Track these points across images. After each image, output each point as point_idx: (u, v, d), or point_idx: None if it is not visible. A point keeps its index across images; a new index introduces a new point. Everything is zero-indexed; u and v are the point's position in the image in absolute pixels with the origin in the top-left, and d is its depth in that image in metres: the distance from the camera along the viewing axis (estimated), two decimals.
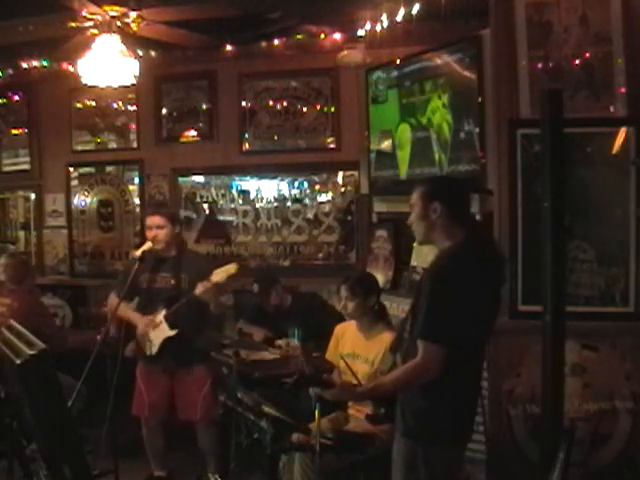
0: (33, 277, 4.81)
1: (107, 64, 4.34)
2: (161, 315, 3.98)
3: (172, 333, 3.94)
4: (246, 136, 5.96)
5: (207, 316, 4.06)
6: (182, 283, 4.02)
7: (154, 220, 4.03)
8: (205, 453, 4.17)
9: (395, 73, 4.84)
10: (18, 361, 1.95)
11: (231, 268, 3.85)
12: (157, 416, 4.12)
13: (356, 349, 3.61)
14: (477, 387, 2.70)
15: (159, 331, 3.98)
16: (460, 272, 2.48)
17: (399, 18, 4.48)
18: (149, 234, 4.02)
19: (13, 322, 2.33)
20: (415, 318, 2.55)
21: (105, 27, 4.31)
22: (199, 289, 3.83)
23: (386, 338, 3.50)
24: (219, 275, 3.82)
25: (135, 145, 6.31)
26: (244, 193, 6.07)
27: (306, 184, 5.93)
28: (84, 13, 4.18)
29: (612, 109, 3.58)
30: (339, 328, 3.80)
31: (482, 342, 2.64)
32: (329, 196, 5.87)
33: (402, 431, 2.59)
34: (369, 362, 3.50)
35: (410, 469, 2.54)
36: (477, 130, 4.10)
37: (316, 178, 5.92)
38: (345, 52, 5.19)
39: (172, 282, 4.02)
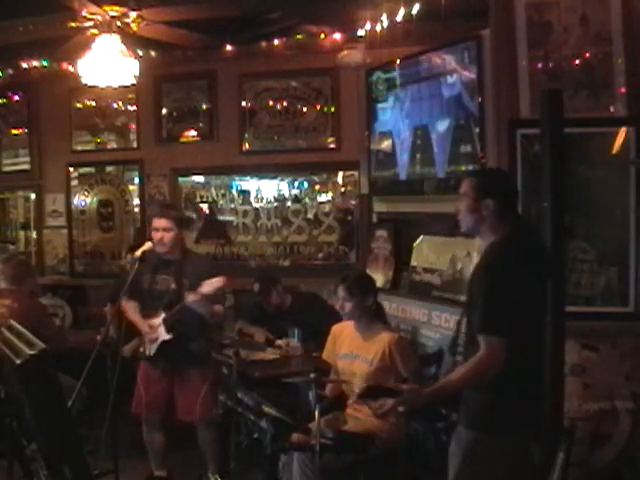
0: (34, 278, 4.80)
1: (107, 64, 4.34)
2: (160, 318, 3.98)
3: (167, 337, 3.94)
4: (246, 136, 5.97)
5: (205, 321, 4.05)
6: (183, 287, 4.01)
7: (161, 223, 4.00)
8: (205, 453, 4.16)
9: (395, 73, 4.85)
10: (18, 361, 1.95)
11: (218, 282, 3.84)
12: (154, 415, 4.12)
13: (354, 349, 3.61)
14: (540, 380, 2.67)
15: (157, 334, 3.98)
16: (509, 265, 2.49)
17: (399, 18, 4.48)
18: (155, 236, 4.01)
19: (13, 322, 2.32)
20: (470, 317, 2.57)
21: (105, 27, 4.31)
22: (190, 298, 3.85)
23: (384, 338, 3.51)
24: (207, 287, 3.82)
25: (135, 145, 6.32)
26: (244, 193, 6.07)
27: (306, 184, 5.93)
28: (84, 13, 4.18)
29: (612, 109, 3.57)
30: (336, 328, 3.80)
31: (539, 335, 2.64)
32: (329, 196, 5.87)
33: (466, 422, 2.59)
34: (368, 362, 3.50)
35: (470, 460, 2.53)
36: (477, 130, 4.11)
37: (316, 178, 5.92)
38: (345, 52, 5.19)
39: (173, 285, 4.01)
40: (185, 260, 4.07)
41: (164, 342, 3.95)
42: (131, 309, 4.08)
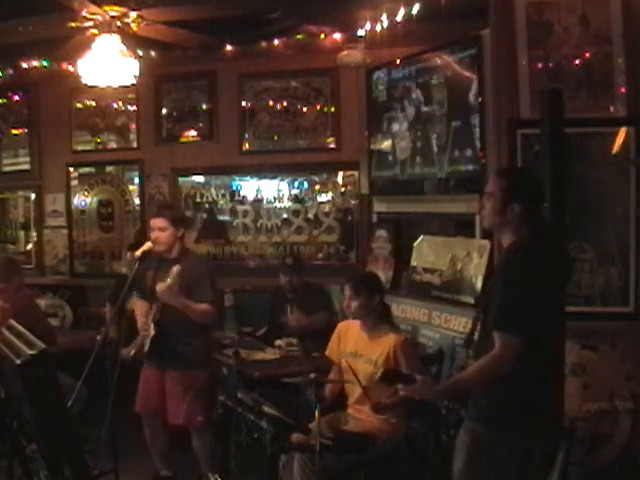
0: (20, 275, 4.79)
1: (107, 64, 4.34)
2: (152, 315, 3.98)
3: (152, 333, 3.92)
4: (246, 136, 5.97)
5: (191, 321, 3.91)
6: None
7: (156, 222, 4.02)
8: (199, 457, 4.10)
9: (395, 73, 4.85)
10: (18, 361, 1.95)
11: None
12: (148, 413, 4.08)
13: (359, 348, 3.60)
14: (555, 380, 2.65)
15: (149, 331, 3.96)
16: (528, 265, 2.50)
17: (399, 18, 4.48)
18: (151, 235, 4.02)
19: (13, 322, 2.33)
20: (486, 314, 2.58)
21: (105, 27, 4.31)
22: (158, 288, 3.82)
23: (390, 339, 3.49)
24: (172, 278, 3.78)
25: (135, 145, 6.31)
26: (244, 193, 6.07)
27: (306, 184, 5.92)
28: (84, 13, 4.18)
29: (612, 109, 3.58)
30: (342, 326, 3.78)
31: (557, 336, 2.63)
32: (329, 196, 5.87)
33: (473, 416, 2.59)
34: (372, 362, 3.49)
35: (476, 454, 2.54)
36: (477, 130, 4.11)
37: (316, 178, 5.92)
38: (345, 52, 5.19)
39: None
40: (182, 260, 4.05)
41: (153, 339, 3.93)
42: (138, 307, 4.16)
